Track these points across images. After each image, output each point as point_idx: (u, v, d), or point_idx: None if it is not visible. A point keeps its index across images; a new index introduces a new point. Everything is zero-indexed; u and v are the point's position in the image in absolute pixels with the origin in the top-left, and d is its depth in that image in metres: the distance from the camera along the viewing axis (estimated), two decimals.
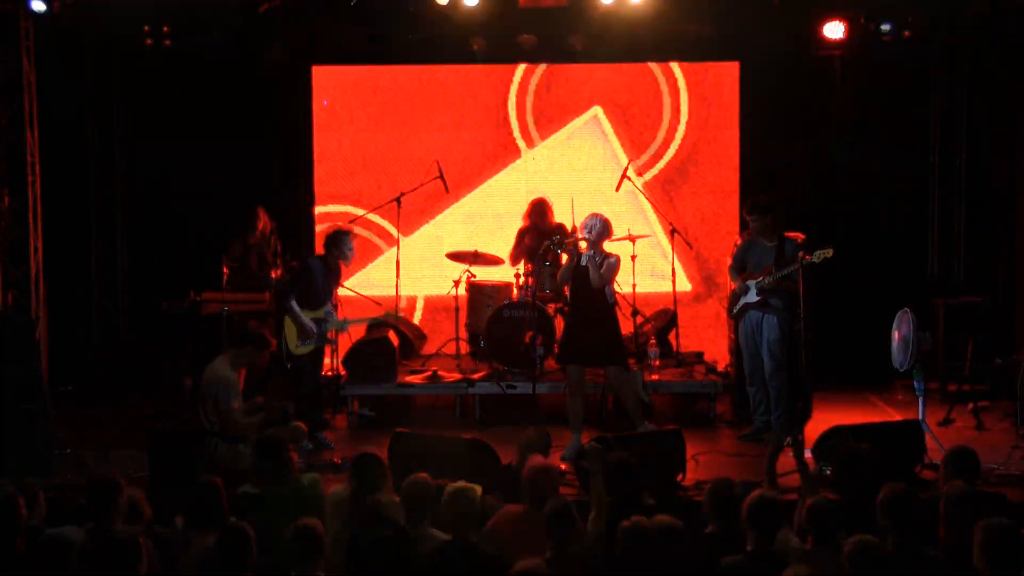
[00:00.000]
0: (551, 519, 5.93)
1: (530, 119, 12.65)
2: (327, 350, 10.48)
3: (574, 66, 12.51)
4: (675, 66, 12.56)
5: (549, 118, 12.65)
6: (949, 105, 12.21)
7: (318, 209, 12.60)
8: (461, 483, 6.22)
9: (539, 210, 11.52)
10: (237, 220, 11.44)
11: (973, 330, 11.17)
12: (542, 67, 12.55)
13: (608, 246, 9.54)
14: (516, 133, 12.65)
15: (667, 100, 12.61)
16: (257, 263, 11.20)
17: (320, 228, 12.41)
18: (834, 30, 11.47)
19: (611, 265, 9.38)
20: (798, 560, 5.57)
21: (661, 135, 12.61)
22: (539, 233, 11.23)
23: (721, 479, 6.38)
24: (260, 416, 8.75)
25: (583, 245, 9.36)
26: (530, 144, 12.66)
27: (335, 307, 10.36)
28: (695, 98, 12.59)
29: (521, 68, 12.57)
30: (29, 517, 6.08)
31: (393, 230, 11.96)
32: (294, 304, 9.80)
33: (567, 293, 9.78)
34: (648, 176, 12.48)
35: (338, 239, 10.02)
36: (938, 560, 5.61)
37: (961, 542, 5.57)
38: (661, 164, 12.61)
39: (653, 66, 12.56)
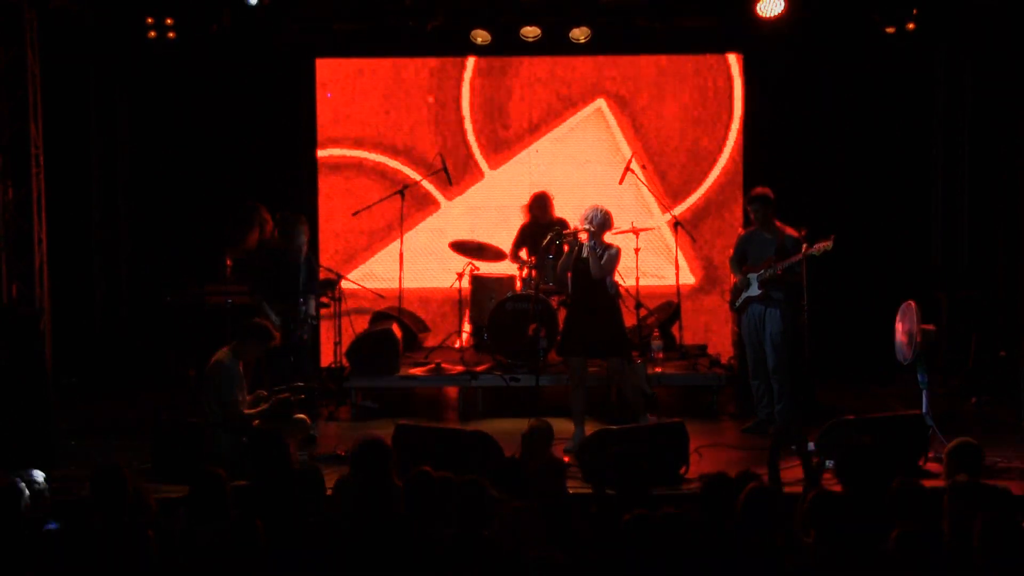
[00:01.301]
0: (537, 469, 5.96)
1: (535, 111, 12.64)
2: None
3: (577, 58, 12.49)
4: (678, 58, 12.55)
5: (552, 110, 12.63)
6: (952, 96, 12.18)
7: (322, 200, 12.61)
8: (472, 476, 6.21)
9: (540, 203, 11.47)
10: (239, 215, 11.42)
11: (977, 323, 11.17)
12: (545, 59, 12.54)
13: (612, 239, 9.55)
14: (521, 124, 12.64)
15: (671, 92, 12.59)
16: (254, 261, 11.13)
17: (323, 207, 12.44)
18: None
19: (612, 256, 9.39)
20: (800, 553, 5.58)
21: (665, 127, 12.61)
22: (540, 228, 11.22)
23: (715, 473, 6.38)
24: (263, 408, 8.74)
25: (584, 236, 9.36)
26: (534, 136, 12.65)
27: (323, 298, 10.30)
28: (698, 90, 12.57)
29: (527, 60, 12.56)
30: (33, 508, 6.10)
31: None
32: (260, 299, 9.83)
33: (568, 284, 9.78)
34: (652, 169, 12.45)
35: (284, 225, 9.97)
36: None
37: (966, 535, 5.57)
38: (666, 156, 12.60)
39: (656, 58, 12.55)
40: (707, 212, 12.61)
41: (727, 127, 12.57)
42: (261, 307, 9.80)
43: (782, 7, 11.04)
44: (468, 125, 12.58)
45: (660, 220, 12.36)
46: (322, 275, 10.90)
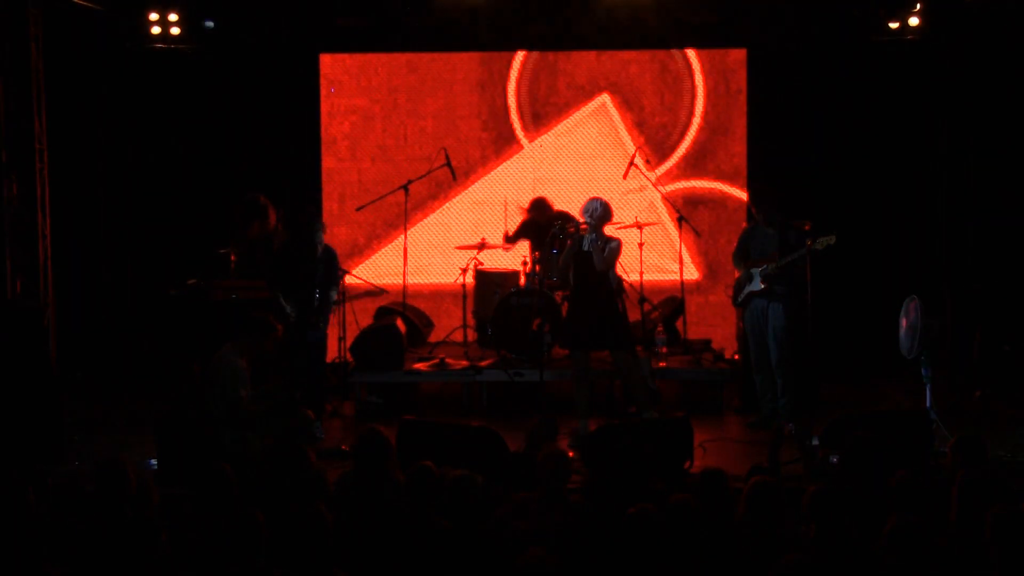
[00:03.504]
0: (543, 462, 6.12)
1: (538, 106, 12.64)
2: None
3: (581, 53, 12.50)
4: (682, 53, 12.55)
5: (557, 105, 12.64)
6: (957, 90, 12.15)
7: (325, 196, 12.63)
8: (462, 471, 6.23)
9: (539, 207, 11.50)
10: (242, 209, 11.43)
11: (981, 317, 11.15)
12: (551, 54, 12.54)
13: (616, 233, 9.55)
14: (524, 120, 12.64)
15: (675, 87, 12.59)
16: (264, 256, 11.13)
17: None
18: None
19: (613, 249, 9.39)
20: (800, 548, 5.58)
21: (669, 122, 12.61)
22: (539, 227, 11.22)
23: (712, 469, 6.39)
24: (268, 404, 8.74)
25: (585, 229, 9.35)
26: (538, 131, 12.65)
27: (336, 296, 10.29)
28: (702, 85, 12.56)
29: (530, 55, 12.56)
30: (37, 504, 6.11)
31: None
32: (277, 292, 9.84)
33: (568, 277, 9.78)
34: (656, 164, 12.43)
35: (304, 220, 9.96)
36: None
37: (973, 528, 5.58)
38: (669, 151, 12.60)
39: (661, 53, 12.55)
40: (710, 207, 12.60)
41: (732, 122, 12.56)
42: (278, 301, 9.80)
43: None
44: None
45: (664, 215, 12.36)
46: None
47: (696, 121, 12.59)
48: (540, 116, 12.65)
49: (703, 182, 12.60)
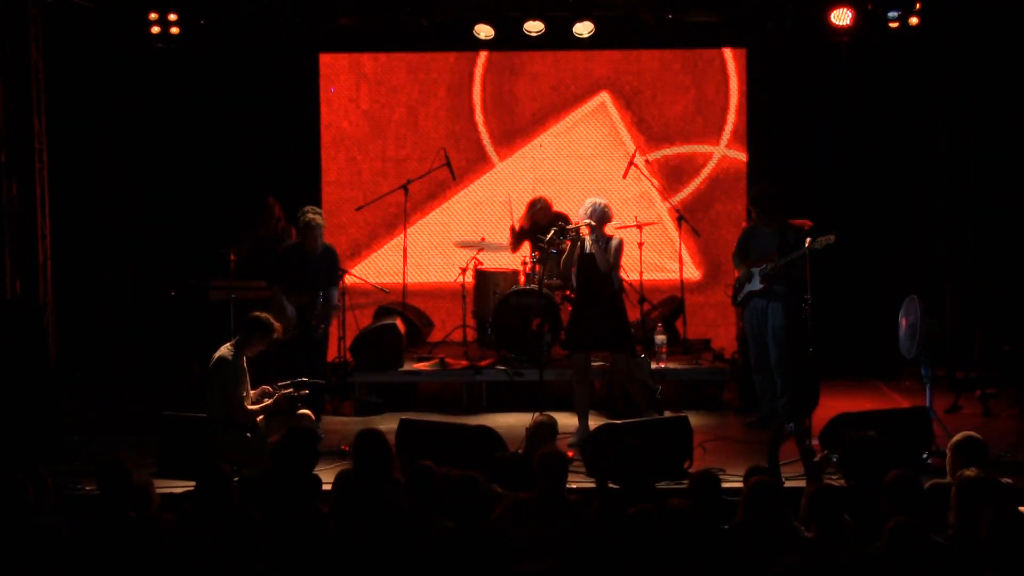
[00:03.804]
0: (542, 462, 6.18)
1: (535, 106, 12.64)
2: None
3: (581, 52, 12.49)
4: (682, 52, 12.55)
5: (556, 105, 12.64)
6: (957, 89, 12.15)
7: (326, 196, 12.63)
8: (468, 471, 6.23)
9: (538, 206, 11.45)
10: (245, 208, 11.45)
11: (982, 316, 11.15)
12: (549, 53, 12.54)
13: (616, 233, 9.54)
14: (524, 120, 12.64)
15: (674, 86, 12.59)
16: (268, 255, 11.13)
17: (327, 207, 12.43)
18: (841, 17, 11.45)
19: (615, 247, 9.36)
20: (798, 548, 5.59)
21: (668, 122, 12.61)
22: (541, 228, 11.19)
23: (706, 470, 6.40)
24: (267, 404, 8.73)
25: (585, 230, 9.33)
26: (536, 131, 12.65)
27: (338, 294, 10.30)
28: (701, 84, 12.57)
29: (527, 55, 12.56)
30: (37, 504, 6.11)
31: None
32: (278, 289, 9.83)
33: (572, 279, 9.77)
34: (655, 163, 12.44)
35: (302, 219, 9.94)
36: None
37: (972, 528, 5.59)
38: (669, 151, 12.60)
39: (660, 52, 12.55)
40: (710, 206, 12.60)
41: (731, 122, 12.57)
42: (277, 298, 9.79)
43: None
44: (479, 118, 12.62)
45: (664, 214, 12.36)
46: None
47: (695, 120, 12.59)
48: (537, 116, 12.65)
49: (701, 182, 12.62)
